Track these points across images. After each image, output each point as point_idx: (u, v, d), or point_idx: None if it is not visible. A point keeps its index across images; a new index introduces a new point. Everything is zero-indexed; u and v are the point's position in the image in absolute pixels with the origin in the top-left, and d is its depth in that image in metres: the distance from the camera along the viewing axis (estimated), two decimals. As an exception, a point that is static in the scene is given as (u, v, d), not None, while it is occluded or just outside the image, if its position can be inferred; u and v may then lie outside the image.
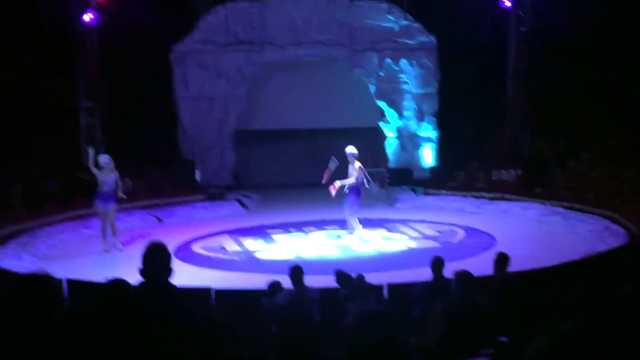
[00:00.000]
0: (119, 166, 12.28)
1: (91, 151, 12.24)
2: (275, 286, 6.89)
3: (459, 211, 15.48)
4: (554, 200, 14.45)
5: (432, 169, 19.04)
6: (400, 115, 19.72)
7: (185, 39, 18.72)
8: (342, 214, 12.48)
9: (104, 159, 12.03)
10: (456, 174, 17.40)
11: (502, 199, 15.83)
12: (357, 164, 12.22)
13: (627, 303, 1.90)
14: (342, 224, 13.67)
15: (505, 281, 7.02)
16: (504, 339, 6.04)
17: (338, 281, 7.07)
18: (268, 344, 6.56)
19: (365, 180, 12.39)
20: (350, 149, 12.36)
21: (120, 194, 12.15)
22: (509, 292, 6.79)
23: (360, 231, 12.31)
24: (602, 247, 10.15)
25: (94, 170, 11.92)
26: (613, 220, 12.18)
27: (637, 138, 14.37)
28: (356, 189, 12.23)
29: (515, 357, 5.69)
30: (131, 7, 16.79)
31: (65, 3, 16.48)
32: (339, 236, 12.77)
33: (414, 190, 17.83)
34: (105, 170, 11.88)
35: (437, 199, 16.81)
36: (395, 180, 17.71)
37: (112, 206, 11.99)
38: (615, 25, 17.10)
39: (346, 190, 12.23)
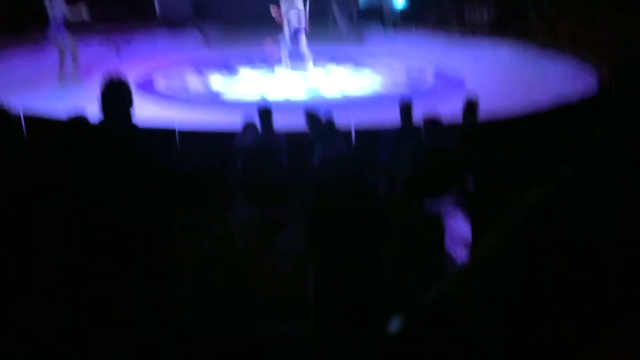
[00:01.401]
0: None
1: None
2: (249, 128, 6.74)
3: (429, 51, 15.13)
4: (526, 41, 14.20)
5: (403, 10, 18.38)
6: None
7: None
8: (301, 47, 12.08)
9: None
10: (428, 13, 16.88)
11: (474, 39, 15.51)
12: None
13: (598, 151, 1.81)
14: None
15: (474, 127, 6.99)
16: (471, 185, 6.11)
17: (307, 122, 6.93)
18: (234, 184, 6.55)
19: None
20: None
21: (84, 16, 11.51)
22: (477, 138, 6.79)
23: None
24: (573, 91, 10.14)
25: None
26: (586, 62, 12.07)
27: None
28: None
29: (482, 203, 5.80)
30: None
31: None
32: (305, 72, 12.43)
33: (384, 28, 17.30)
34: None
35: (408, 38, 16.38)
36: (365, 17, 17.13)
37: (66, 35, 11.30)
38: None
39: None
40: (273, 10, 12.19)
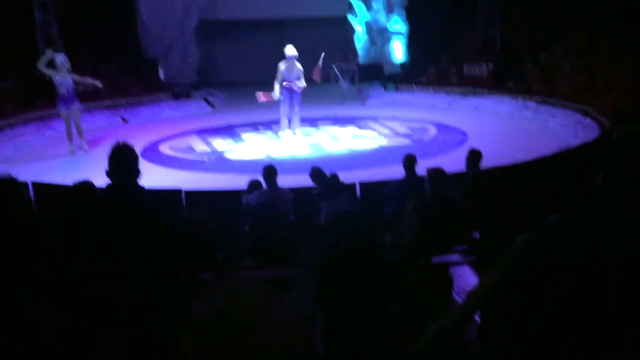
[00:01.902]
0: (78, 65, 11.77)
1: (49, 52, 11.59)
2: (255, 185, 6.79)
3: (430, 107, 15.36)
4: (526, 95, 14.37)
5: (402, 65, 18.73)
6: (369, 8, 19.14)
7: None
8: (295, 113, 12.27)
9: (59, 58, 11.48)
10: (427, 69, 17.16)
11: (474, 93, 15.72)
12: (299, 64, 11.98)
13: (600, 197, 1.84)
14: (312, 122, 13.53)
15: (477, 177, 7.01)
16: (477, 235, 6.10)
17: (313, 178, 6.97)
18: (242, 244, 6.55)
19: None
20: (291, 50, 11.94)
21: (97, 84, 11.97)
22: (481, 188, 6.80)
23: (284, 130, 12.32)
24: (574, 142, 10.19)
25: (47, 70, 11.40)
26: (585, 114, 12.17)
27: (609, 28, 14.18)
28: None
29: (488, 252, 5.78)
30: None
31: None
32: (309, 134, 12.64)
33: (384, 86, 17.59)
34: (62, 71, 11.37)
35: (409, 94, 16.64)
36: (366, 76, 17.45)
37: (75, 107, 11.57)
38: None
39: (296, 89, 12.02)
40: (259, 96, 12.57)
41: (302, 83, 12.01)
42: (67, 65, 11.44)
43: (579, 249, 1.77)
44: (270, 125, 13.52)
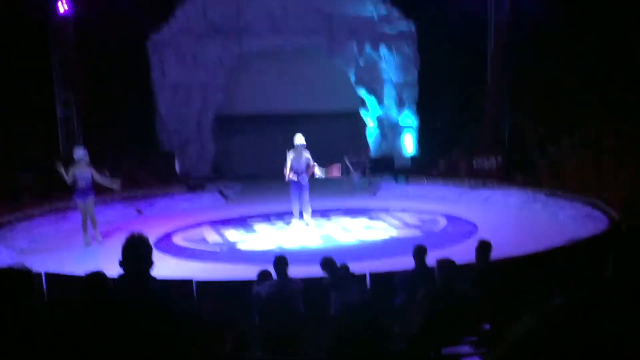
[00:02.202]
0: (97, 158, 12.11)
1: (60, 167, 11.64)
2: (265, 275, 6.84)
3: (440, 199, 15.51)
4: (535, 187, 14.51)
5: (413, 157, 19.08)
6: (381, 103, 19.71)
7: (162, 27, 18.48)
8: (305, 205, 12.54)
9: (79, 152, 11.83)
10: (437, 162, 17.42)
11: (484, 186, 15.89)
12: (307, 153, 12.40)
13: (609, 288, 1.89)
14: (324, 213, 13.68)
15: (487, 269, 7.03)
16: (487, 326, 6.06)
17: (324, 268, 7.03)
18: (251, 335, 6.53)
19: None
20: (301, 140, 12.34)
21: (115, 186, 12.20)
22: (491, 279, 6.80)
23: (296, 220, 12.55)
24: (584, 233, 10.21)
25: (71, 175, 11.62)
26: (594, 206, 12.24)
27: (617, 123, 14.45)
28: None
29: (499, 344, 5.72)
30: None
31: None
32: (320, 225, 12.77)
33: (395, 179, 17.84)
34: (81, 165, 11.70)
35: (419, 187, 16.83)
36: (377, 169, 17.72)
37: (91, 199, 11.83)
38: (593, 12, 17.17)
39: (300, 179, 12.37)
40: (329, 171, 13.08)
41: (312, 170, 12.33)
42: (86, 159, 11.76)
43: (581, 336, 1.80)
44: (282, 216, 13.68)
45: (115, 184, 12.33)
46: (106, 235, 12.25)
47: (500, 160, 16.24)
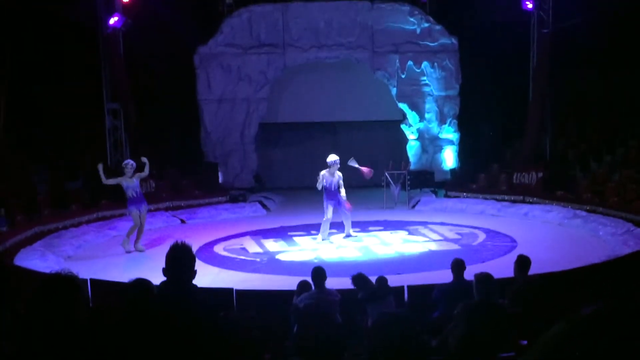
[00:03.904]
0: (143, 168, 12.43)
1: (100, 166, 12.12)
2: (304, 286, 6.96)
3: (480, 214, 15.44)
4: (575, 204, 14.35)
5: (453, 171, 19.00)
6: (422, 118, 19.72)
7: (209, 41, 18.88)
8: (345, 217, 12.69)
9: (127, 163, 12.20)
10: (477, 177, 17.35)
11: (524, 201, 15.76)
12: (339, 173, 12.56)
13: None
14: (363, 226, 13.75)
15: (526, 284, 7.02)
16: (524, 342, 6.07)
17: (355, 284, 7.13)
18: (290, 345, 6.65)
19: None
20: (332, 157, 12.56)
21: (144, 160, 12.32)
22: (529, 295, 6.80)
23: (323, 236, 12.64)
24: (625, 251, 10.08)
25: (112, 181, 12.04)
26: (635, 224, 12.07)
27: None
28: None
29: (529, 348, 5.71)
30: (155, 9, 17.02)
31: (92, 6, 16.69)
32: (359, 239, 12.85)
33: (434, 193, 17.81)
34: (128, 175, 12.05)
35: (458, 201, 16.77)
36: (417, 183, 17.71)
37: (144, 208, 12.20)
38: (637, 26, 16.94)
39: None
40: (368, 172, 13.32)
41: (342, 192, 12.54)
42: (133, 169, 12.11)
43: (607, 343, 1.85)
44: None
45: (145, 161, 12.39)
46: (150, 244, 12.55)
47: (541, 175, 16.08)
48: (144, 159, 12.36)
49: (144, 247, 12.25)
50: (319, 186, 12.53)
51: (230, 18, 19.03)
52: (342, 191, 12.53)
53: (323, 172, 12.54)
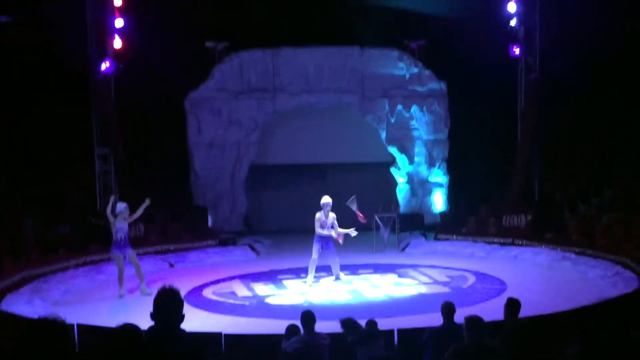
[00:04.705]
0: (133, 211, 12.41)
1: (112, 198, 12.45)
2: (293, 330, 6.91)
3: (469, 256, 15.45)
4: (564, 246, 14.41)
5: (442, 214, 19.06)
6: (411, 161, 19.87)
7: (200, 86, 19.08)
8: (332, 260, 12.72)
9: (120, 207, 12.22)
10: (467, 219, 17.40)
11: (513, 244, 15.81)
12: (332, 213, 12.65)
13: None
14: (353, 269, 13.72)
15: (516, 326, 7.01)
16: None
17: (344, 328, 7.09)
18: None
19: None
20: (325, 199, 12.64)
21: (147, 202, 12.44)
22: (520, 337, 6.78)
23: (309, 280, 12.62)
24: (614, 293, 10.10)
25: (110, 217, 12.10)
26: (625, 266, 12.12)
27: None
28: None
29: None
30: (147, 54, 17.23)
31: (83, 52, 16.88)
32: (349, 281, 12.81)
33: (424, 236, 17.84)
34: (120, 218, 12.07)
35: (448, 244, 16.79)
36: (406, 225, 17.74)
37: (130, 252, 12.14)
38: (623, 71, 17.31)
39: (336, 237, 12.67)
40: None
41: (337, 230, 12.58)
42: (126, 214, 12.14)
43: None
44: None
45: (146, 203, 12.49)
46: (138, 288, 12.43)
47: (530, 217, 16.16)
48: (147, 201, 12.49)
49: (125, 293, 12.08)
50: (323, 232, 12.53)
51: (221, 64, 19.29)
52: (338, 230, 12.58)
53: (318, 215, 12.59)
